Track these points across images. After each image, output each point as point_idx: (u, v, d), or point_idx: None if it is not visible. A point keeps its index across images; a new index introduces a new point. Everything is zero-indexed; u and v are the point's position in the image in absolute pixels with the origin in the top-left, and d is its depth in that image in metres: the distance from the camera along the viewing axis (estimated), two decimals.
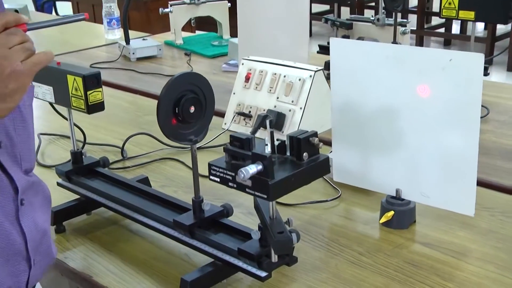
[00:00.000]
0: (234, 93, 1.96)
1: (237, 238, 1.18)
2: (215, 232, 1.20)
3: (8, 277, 1.02)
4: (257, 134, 1.86)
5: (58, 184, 1.46)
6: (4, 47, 0.87)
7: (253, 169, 0.97)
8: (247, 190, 1.01)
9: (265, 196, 0.99)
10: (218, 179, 1.05)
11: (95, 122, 1.91)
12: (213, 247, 1.16)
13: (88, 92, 1.35)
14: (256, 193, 0.99)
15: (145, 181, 1.51)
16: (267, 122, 1.08)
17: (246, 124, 1.90)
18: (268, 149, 1.06)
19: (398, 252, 1.28)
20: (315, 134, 1.04)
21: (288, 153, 1.06)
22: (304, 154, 1.03)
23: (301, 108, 1.80)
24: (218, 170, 1.04)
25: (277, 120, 1.81)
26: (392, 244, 1.31)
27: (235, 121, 1.93)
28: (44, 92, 1.46)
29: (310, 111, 1.78)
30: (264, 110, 1.86)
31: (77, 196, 1.43)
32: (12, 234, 1.00)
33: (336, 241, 1.32)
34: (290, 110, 1.82)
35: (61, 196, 1.43)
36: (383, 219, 1.35)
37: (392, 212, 1.35)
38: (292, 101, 1.82)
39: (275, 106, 1.84)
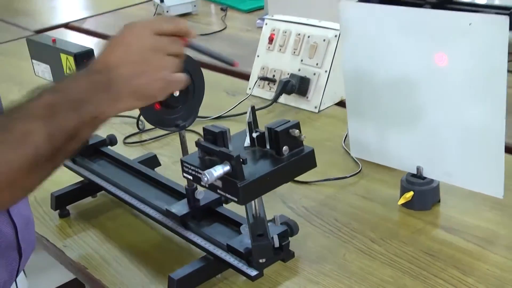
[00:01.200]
0: (258, 56, 1.84)
1: (234, 230, 1.09)
2: (210, 223, 1.11)
3: (2, 270, 1.00)
4: (282, 100, 1.77)
5: (65, 165, 1.40)
6: (164, 51, 0.86)
7: (218, 170, 0.87)
8: (218, 191, 0.91)
9: (235, 200, 0.89)
10: (191, 177, 0.96)
11: None
12: (206, 239, 1.08)
13: None
14: (227, 196, 0.89)
15: (153, 159, 1.43)
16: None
17: (270, 89, 1.78)
18: (247, 142, 0.95)
19: (415, 239, 1.16)
20: (296, 125, 0.92)
21: (268, 146, 0.94)
22: (284, 148, 0.92)
23: (326, 71, 1.67)
24: (190, 168, 0.95)
25: (300, 85, 1.69)
26: (410, 229, 1.19)
27: (259, 85, 1.81)
28: (43, 70, 1.39)
29: (336, 74, 1.65)
30: (288, 74, 1.73)
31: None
32: (4, 227, 0.98)
33: (348, 225, 1.21)
34: (314, 74, 1.69)
35: (72, 178, 1.38)
36: (401, 200, 1.23)
37: (411, 193, 1.22)
38: (317, 64, 1.69)
39: (299, 70, 1.72)
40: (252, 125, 0.94)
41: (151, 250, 1.20)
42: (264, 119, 1.68)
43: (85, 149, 1.39)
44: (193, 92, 1.09)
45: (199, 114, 1.74)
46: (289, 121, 0.93)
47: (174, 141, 1.62)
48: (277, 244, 0.96)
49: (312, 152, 0.94)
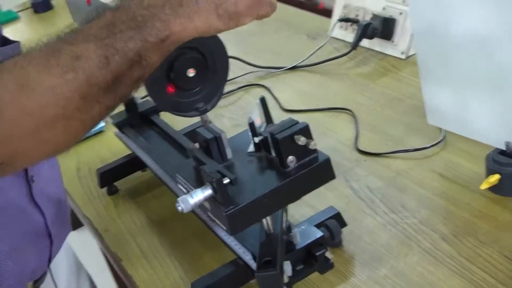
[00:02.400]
0: None
1: None
2: None
3: (33, 258, 0.98)
4: (366, 44, 1.53)
5: (116, 135, 1.31)
6: None
7: (197, 196, 0.70)
8: (209, 214, 0.75)
9: (224, 228, 0.72)
10: (185, 190, 0.80)
11: None
12: (239, 240, 0.93)
13: None
14: (217, 222, 0.73)
15: None
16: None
17: (353, 31, 1.55)
18: (252, 146, 0.78)
19: (497, 237, 0.94)
20: (303, 129, 0.72)
21: (273, 153, 0.76)
22: (289, 158, 0.73)
23: None
24: (183, 182, 0.79)
25: (384, 27, 1.45)
26: (492, 222, 0.97)
27: (341, 27, 1.59)
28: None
29: None
30: (372, 14, 1.49)
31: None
32: (32, 214, 0.96)
33: (416, 214, 1.01)
34: (401, 13, 1.44)
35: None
36: (484, 185, 1.00)
37: (496, 176, 0.99)
38: (403, 1, 1.43)
39: (383, 9, 1.47)
40: (254, 126, 0.75)
41: (190, 239, 1.08)
42: (342, 69, 1.47)
43: (134, 118, 1.28)
44: (215, 70, 0.92)
45: (272, 65, 1.58)
46: (297, 122, 0.74)
47: (241, 99, 1.47)
48: (288, 274, 0.79)
49: (327, 162, 0.74)
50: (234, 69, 1.56)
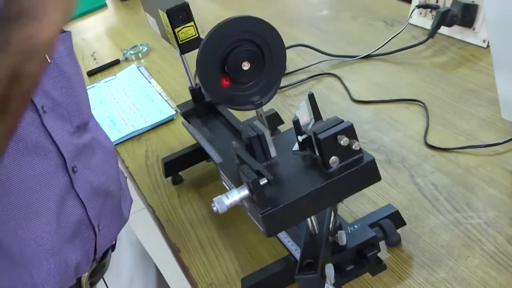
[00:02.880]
0: None
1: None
2: None
3: (76, 251, 0.95)
4: (445, 31, 1.45)
5: (183, 124, 1.32)
6: None
7: (232, 197, 0.68)
8: (248, 214, 0.73)
9: (261, 230, 0.70)
10: (228, 188, 0.78)
11: None
12: (292, 236, 0.92)
13: (176, 30, 1.15)
14: (255, 223, 0.71)
15: (273, 117, 1.27)
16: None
17: (433, 17, 1.48)
18: (296, 146, 0.75)
19: None
20: (347, 129, 0.68)
21: (317, 152, 0.72)
22: (332, 159, 0.69)
23: None
24: (225, 179, 0.77)
25: (464, 13, 1.38)
26: None
27: (420, 13, 1.52)
28: (153, 23, 1.29)
29: None
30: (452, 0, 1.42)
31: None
32: (71, 207, 0.92)
33: (482, 215, 0.96)
34: None
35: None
36: None
37: None
38: None
39: None
40: (299, 124, 0.73)
41: (249, 232, 1.07)
42: (418, 58, 1.41)
43: (200, 108, 1.28)
44: (271, 62, 0.90)
45: (346, 53, 1.54)
46: (342, 121, 0.70)
47: (312, 89, 1.44)
48: (331, 277, 0.75)
49: (372, 163, 0.70)
50: (307, 57, 1.54)
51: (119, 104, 1.60)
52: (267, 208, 0.67)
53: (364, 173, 0.69)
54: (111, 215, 1.02)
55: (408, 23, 1.52)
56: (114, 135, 1.46)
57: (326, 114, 1.30)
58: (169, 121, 1.48)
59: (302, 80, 1.47)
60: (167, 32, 1.18)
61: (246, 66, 0.88)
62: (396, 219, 0.93)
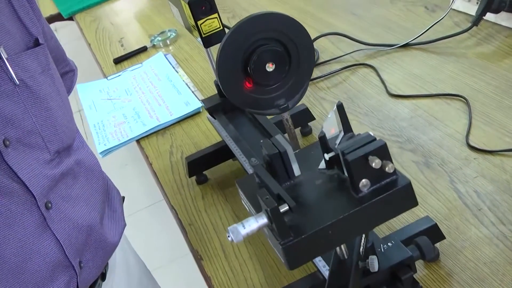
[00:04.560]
0: None
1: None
2: None
3: None
4: (491, 18, 1.34)
5: (208, 120, 1.25)
6: None
7: (250, 226, 0.61)
8: (269, 241, 0.65)
9: (283, 261, 0.63)
10: (247, 209, 0.71)
11: None
12: None
13: (199, 22, 1.07)
14: (276, 253, 0.64)
15: (304, 113, 1.20)
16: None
17: (477, 2, 1.38)
18: (323, 163, 0.67)
19: None
20: (379, 149, 0.60)
21: (346, 172, 0.64)
22: (363, 182, 0.61)
23: None
24: (244, 200, 0.70)
25: None
26: None
27: None
28: (176, 13, 1.22)
29: None
30: None
31: None
32: (44, 248, 0.83)
33: None
34: None
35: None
36: None
37: None
38: None
39: None
40: (326, 140, 0.65)
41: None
42: (461, 47, 1.31)
43: (227, 102, 1.21)
44: (298, 63, 0.83)
45: (383, 42, 1.44)
46: (373, 139, 0.62)
47: (346, 81, 1.35)
48: None
49: (408, 187, 0.62)
50: (341, 46, 1.46)
51: (144, 95, 1.54)
52: (288, 239, 0.60)
53: (399, 198, 0.61)
54: (96, 247, 0.92)
55: (451, 8, 1.42)
56: (138, 129, 1.40)
57: (360, 109, 1.22)
58: (195, 114, 1.41)
59: (336, 71, 1.38)
60: (190, 24, 1.11)
61: (270, 67, 0.81)
62: (435, 233, 0.86)
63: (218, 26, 1.09)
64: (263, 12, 0.79)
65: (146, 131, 1.39)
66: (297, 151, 0.72)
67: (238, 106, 0.83)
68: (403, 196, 0.61)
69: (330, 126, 0.66)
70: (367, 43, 1.43)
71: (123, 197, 1.08)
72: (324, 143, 0.64)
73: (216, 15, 1.08)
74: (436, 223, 0.86)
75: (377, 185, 0.61)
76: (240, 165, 1.17)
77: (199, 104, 1.42)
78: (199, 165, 1.19)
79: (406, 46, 1.39)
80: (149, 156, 1.32)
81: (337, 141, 0.66)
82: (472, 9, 1.39)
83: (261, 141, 0.67)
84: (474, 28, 1.32)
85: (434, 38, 1.36)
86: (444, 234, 0.88)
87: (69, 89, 1.12)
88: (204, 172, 1.20)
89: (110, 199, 1.00)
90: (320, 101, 1.31)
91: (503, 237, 0.87)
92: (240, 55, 0.81)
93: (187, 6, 1.07)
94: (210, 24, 1.08)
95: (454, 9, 1.43)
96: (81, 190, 0.90)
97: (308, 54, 0.82)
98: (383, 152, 0.60)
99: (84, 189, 0.91)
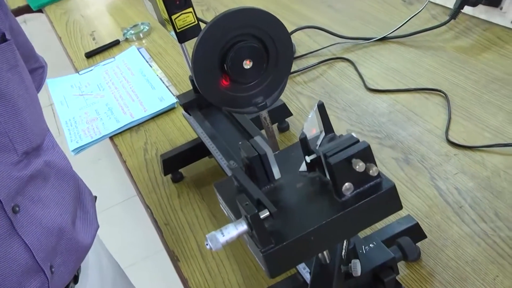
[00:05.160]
0: None
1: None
2: None
3: None
4: (469, 11, 1.33)
5: (184, 116, 1.22)
6: None
7: (229, 233, 0.58)
8: (249, 247, 0.63)
9: (263, 269, 0.60)
10: (226, 213, 0.69)
11: None
12: None
13: (173, 17, 1.04)
14: (257, 260, 0.61)
15: (281, 109, 1.17)
16: None
17: None
18: (304, 165, 0.65)
19: None
20: (363, 151, 0.58)
21: (328, 175, 0.62)
22: (346, 185, 0.59)
23: None
24: (223, 204, 0.67)
25: None
26: None
27: None
28: (150, 7, 1.19)
29: None
30: None
31: None
32: (11, 254, 0.79)
33: None
34: None
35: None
36: None
37: None
38: None
39: None
40: (307, 141, 0.62)
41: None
42: (439, 40, 1.30)
43: (202, 98, 1.18)
44: (276, 59, 0.80)
45: (360, 35, 1.42)
46: (356, 141, 0.59)
47: (324, 75, 1.33)
48: None
49: (392, 190, 0.60)
50: (318, 39, 1.44)
51: (117, 90, 1.50)
52: (269, 246, 0.57)
53: (383, 201, 0.59)
54: (68, 251, 0.88)
55: (428, 1, 1.40)
56: (111, 125, 1.36)
57: (338, 104, 1.20)
58: (170, 109, 1.38)
59: (313, 65, 1.36)
60: (164, 18, 1.08)
61: (248, 64, 0.78)
62: (416, 232, 0.84)
63: (193, 20, 1.06)
64: (241, 7, 0.76)
65: (119, 128, 1.36)
66: (276, 152, 0.69)
67: (215, 104, 0.80)
68: (387, 199, 0.59)
69: (311, 127, 0.64)
70: (344, 37, 1.41)
71: (95, 197, 1.05)
72: (305, 145, 0.62)
73: (191, 9, 1.05)
74: (417, 222, 0.85)
75: (360, 189, 0.59)
76: (216, 162, 1.14)
77: (173, 100, 1.39)
78: (175, 163, 1.16)
79: (383, 39, 1.37)
80: (123, 154, 1.29)
81: (318, 142, 0.63)
82: (449, 2, 1.37)
83: (240, 143, 0.65)
84: (452, 21, 1.31)
85: (412, 32, 1.34)
86: (425, 232, 0.87)
87: (39, 86, 1.08)
88: (179, 170, 1.17)
89: (82, 201, 0.97)
90: (297, 95, 1.28)
91: (484, 235, 0.86)
92: (217, 51, 0.78)
93: (161, 1, 1.04)
94: (184, 18, 1.05)
95: (431, 2, 1.42)
96: (52, 192, 0.87)
97: (286, 50, 0.80)
98: (366, 155, 0.58)
99: (54, 191, 0.87)
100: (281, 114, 1.18)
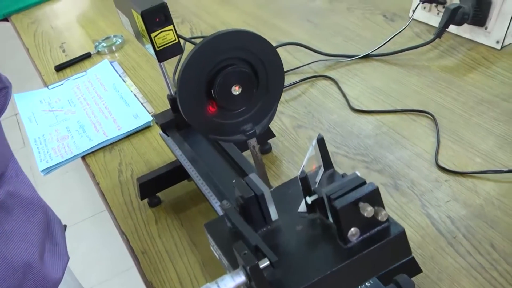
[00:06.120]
0: None
1: None
2: None
3: None
4: (453, 30, 1.31)
5: (161, 136, 1.16)
6: None
7: (226, 285, 0.53)
8: None
9: None
10: (217, 256, 0.64)
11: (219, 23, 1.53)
12: None
13: (153, 35, 0.99)
14: None
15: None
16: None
17: (438, 12, 1.34)
18: (303, 205, 0.60)
19: None
20: (371, 193, 0.53)
21: (331, 219, 0.57)
22: (352, 231, 0.54)
23: None
24: (214, 246, 0.62)
25: (476, 11, 1.23)
26: None
27: (424, 8, 1.37)
28: (126, 22, 1.13)
29: None
30: None
31: None
32: None
33: (509, 259, 0.82)
34: None
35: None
36: None
37: None
38: None
39: None
40: (308, 180, 0.58)
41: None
42: (423, 59, 1.27)
43: (181, 118, 1.12)
44: (266, 85, 0.75)
45: (342, 52, 1.39)
46: (363, 182, 0.55)
47: (305, 93, 1.29)
48: None
49: (402, 236, 0.55)
50: (299, 56, 1.40)
51: (90, 107, 1.44)
52: None
53: (392, 248, 0.55)
54: (36, 285, 0.82)
55: (411, 18, 1.37)
56: (84, 144, 1.30)
57: (322, 125, 1.16)
58: (145, 128, 1.32)
59: (294, 83, 1.32)
60: (142, 35, 1.02)
61: (237, 90, 0.73)
62: (411, 266, 0.80)
63: (173, 38, 1.00)
64: (230, 29, 0.71)
65: (92, 147, 1.29)
66: (272, 189, 0.64)
67: (200, 133, 0.75)
68: (396, 245, 0.55)
69: (310, 163, 0.59)
70: (326, 54, 1.37)
71: (65, 226, 0.99)
72: (306, 185, 0.57)
73: (171, 27, 0.99)
74: (413, 257, 0.81)
75: (367, 234, 0.54)
76: (196, 186, 1.09)
77: (149, 118, 1.33)
78: (152, 187, 1.10)
79: (366, 57, 1.33)
80: (96, 175, 1.23)
81: (317, 179, 0.59)
82: (433, 20, 1.35)
83: (234, 181, 0.60)
84: (437, 39, 1.28)
85: (396, 50, 1.31)
86: (419, 264, 0.83)
87: (2, 108, 1.02)
88: (157, 194, 1.12)
89: (50, 232, 0.90)
90: (279, 115, 1.24)
91: (481, 268, 0.82)
92: (204, 76, 0.73)
93: (139, 17, 0.98)
94: (164, 36, 1.00)
95: (414, 19, 1.39)
96: (16, 224, 0.80)
97: (277, 75, 0.75)
98: (375, 198, 0.53)
99: (19, 223, 0.81)
100: (263, 135, 1.13)
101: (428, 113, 1.11)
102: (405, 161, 1.03)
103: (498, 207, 0.90)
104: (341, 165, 1.05)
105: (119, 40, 1.72)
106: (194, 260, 0.97)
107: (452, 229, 0.89)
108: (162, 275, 0.97)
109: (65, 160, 1.28)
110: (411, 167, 1.01)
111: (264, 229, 0.59)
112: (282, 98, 1.29)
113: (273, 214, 0.59)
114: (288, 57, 1.41)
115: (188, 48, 1.49)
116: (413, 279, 0.82)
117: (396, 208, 0.95)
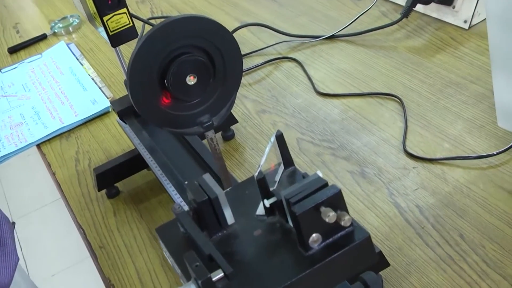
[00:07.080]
0: None
1: None
2: None
3: None
4: (420, 9, 1.27)
5: (119, 124, 1.11)
6: None
7: None
8: None
9: None
10: (170, 263, 0.59)
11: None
12: None
13: (105, 18, 0.93)
14: None
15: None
16: None
17: None
18: (261, 208, 0.56)
19: None
20: (333, 197, 0.49)
21: (290, 223, 0.53)
22: (313, 237, 0.50)
23: None
24: (167, 252, 0.58)
25: None
26: None
27: None
28: (77, 3, 1.07)
29: None
30: None
31: None
32: None
33: (478, 250, 0.80)
34: None
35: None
36: None
37: None
38: None
39: None
40: (266, 181, 0.53)
41: None
42: (390, 40, 1.23)
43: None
44: (224, 74, 0.71)
45: (307, 33, 1.34)
46: (325, 184, 0.51)
47: (270, 76, 1.24)
48: None
49: (366, 241, 0.51)
50: (263, 36, 1.35)
51: (45, 92, 1.38)
52: None
53: (357, 254, 0.51)
54: None
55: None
56: (39, 132, 1.24)
57: (287, 109, 1.12)
58: (103, 114, 1.27)
59: (258, 65, 1.27)
60: (95, 18, 0.97)
61: (192, 79, 0.69)
62: (378, 260, 0.77)
63: (127, 22, 0.95)
64: (184, 15, 0.66)
65: (47, 135, 1.23)
66: (228, 189, 0.60)
67: (154, 125, 0.70)
68: (361, 251, 0.51)
69: (269, 161, 0.55)
70: (291, 34, 1.33)
71: (14, 223, 0.93)
72: (263, 188, 0.53)
73: (125, 9, 0.94)
74: (380, 251, 0.78)
75: (330, 240, 0.51)
76: (155, 176, 1.05)
77: (107, 103, 1.28)
78: (110, 177, 1.05)
79: (332, 38, 1.29)
80: (52, 164, 1.17)
81: (277, 178, 0.55)
82: None
83: (186, 182, 0.55)
84: (408, 17, 1.24)
85: (362, 30, 1.27)
86: (386, 257, 0.80)
87: None
88: (115, 184, 1.07)
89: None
90: (242, 100, 1.19)
91: (450, 260, 0.79)
92: (156, 65, 0.68)
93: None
94: (118, 20, 0.94)
95: None
96: None
97: (235, 64, 0.71)
98: (337, 201, 0.49)
99: None
100: (226, 121, 1.09)
101: (395, 96, 1.08)
102: (372, 147, 1.00)
103: (467, 195, 0.87)
104: (307, 152, 1.01)
105: (76, 20, 1.64)
106: (154, 255, 0.93)
107: (420, 219, 0.86)
108: (121, 270, 0.92)
109: (19, 149, 1.22)
110: (379, 154, 0.98)
111: (220, 234, 0.55)
112: (245, 82, 1.24)
113: (229, 218, 0.55)
114: (252, 38, 1.37)
115: (148, 29, 1.43)
116: (381, 273, 0.79)
117: (363, 198, 0.92)
